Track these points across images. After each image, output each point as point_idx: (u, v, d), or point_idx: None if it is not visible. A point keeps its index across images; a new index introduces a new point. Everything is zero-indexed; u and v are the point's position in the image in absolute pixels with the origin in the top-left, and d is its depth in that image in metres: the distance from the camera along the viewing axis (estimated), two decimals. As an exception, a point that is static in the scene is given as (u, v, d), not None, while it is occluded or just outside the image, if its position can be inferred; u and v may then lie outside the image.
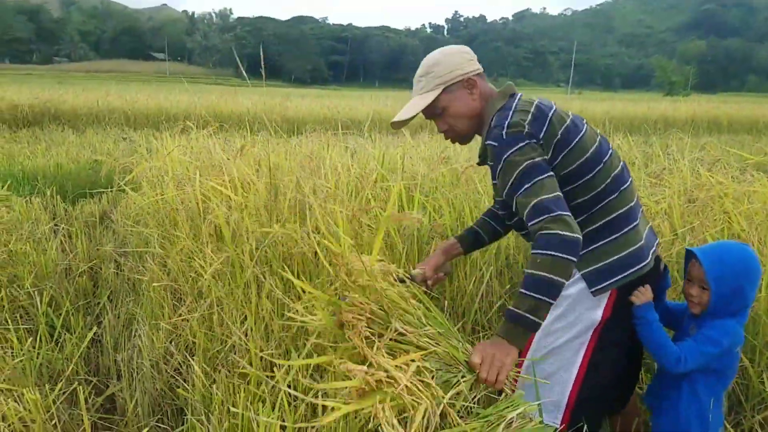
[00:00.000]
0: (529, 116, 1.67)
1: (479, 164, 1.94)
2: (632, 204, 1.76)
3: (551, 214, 1.56)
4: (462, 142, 1.92)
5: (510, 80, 1.92)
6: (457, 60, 1.80)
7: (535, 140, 1.65)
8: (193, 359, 2.32)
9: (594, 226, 1.72)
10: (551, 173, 1.63)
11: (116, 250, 3.67)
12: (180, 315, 2.58)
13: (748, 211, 2.55)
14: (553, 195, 1.59)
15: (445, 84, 1.79)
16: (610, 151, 1.76)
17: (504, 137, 1.66)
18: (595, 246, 1.72)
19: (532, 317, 1.54)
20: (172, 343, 2.53)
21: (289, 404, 1.82)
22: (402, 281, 1.78)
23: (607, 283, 1.70)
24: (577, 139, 1.69)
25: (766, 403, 2.14)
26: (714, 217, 2.61)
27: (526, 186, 1.61)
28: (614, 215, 1.72)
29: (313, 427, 1.77)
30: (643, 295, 1.75)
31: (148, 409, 2.39)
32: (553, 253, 1.53)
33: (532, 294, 1.54)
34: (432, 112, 1.85)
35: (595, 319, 1.73)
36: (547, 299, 1.54)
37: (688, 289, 1.79)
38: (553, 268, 1.53)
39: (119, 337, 2.88)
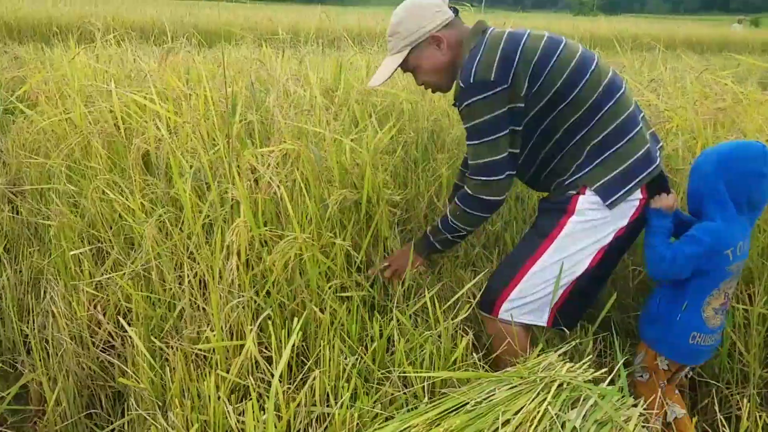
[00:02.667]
0: (497, 59, 1.63)
1: (454, 105, 1.82)
2: (631, 109, 1.69)
3: (488, 178, 1.71)
4: (443, 91, 1.92)
5: None
6: (420, 18, 1.76)
7: (500, 87, 1.63)
8: (130, 329, 1.76)
9: (595, 141, 1.67)
10: (507, 130, 1.67)
11: (9, 187, 2.90)
12: (106, 271, 1.98)
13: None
14: (499, 157, 1.68)
15: (410, 45, 1.79)
16: (595, 61, 1.68)
17: (471, 81, 1.64)
18: (600, 159, 1.66)
19: (439, 247, 1.93)
20: (98, 308, 1.94)
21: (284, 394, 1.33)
22: None
23: (621, 193, 1.64)
24: (552, 63, 1.64)
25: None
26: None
27: (480, 141, 1.68)
28: (614, 125, 1.66)
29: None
30: (662, 201, 1.67)
31: (74, 396, 1.83)
32: (472, 211, 1.77)
33: (445, 233, 1.86)
34: (406, 69, 1.88)
35: (619, 226, 1.68)
36: (457, 240, 1.90)
37: None
38: (468, 222, 1.81)
39: (23, 301, 2.25)
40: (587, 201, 1.65)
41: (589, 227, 1.66)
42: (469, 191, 1.74)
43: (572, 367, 1.37)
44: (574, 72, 1.63)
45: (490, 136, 1.66)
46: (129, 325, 1.78)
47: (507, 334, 1.72)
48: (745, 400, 1.52)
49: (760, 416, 1.56)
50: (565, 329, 1.79)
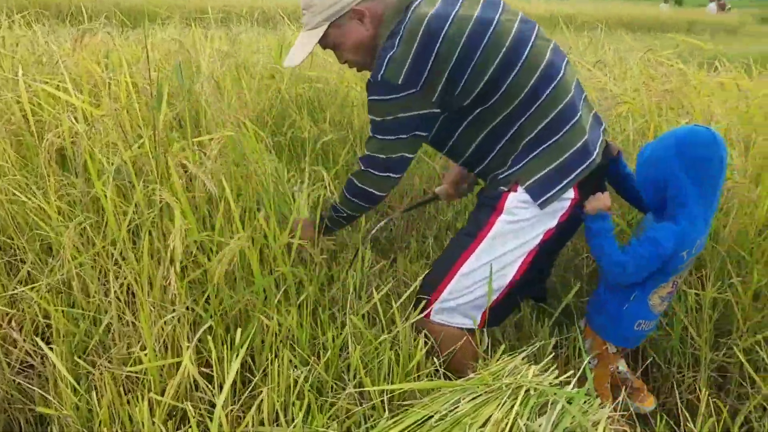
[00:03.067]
0: (409, 59, 1.46)
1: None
2: (571, 94, 1.55)
3: (379, 173, 1.62)
4: (370, 70, 1.61)
5: None
6: None
7: (407, 92, 1.48)
8: (50, 349, 1.57)
9: (530, 136, 1.53)
10: (409, 134, 1.56)
11: None
12: (19, 283, 1.77)
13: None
14: (395, 156, 1.59)
15: (329, 19, 1.59)
16: (532, 40, 1.52)
17: (378, 79, 1.50)
18: (535, 153, 1.54)
19: (330, 226, 1.82)
20: (12, 322, 1.73)
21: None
22: (427, 202, 2.08)
23: (554, 191, 1.53)
24: (479, 53, 1.47)
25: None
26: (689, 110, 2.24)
27: (380, 137, 1.58)
28: (551, 116, 1.52)
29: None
30: (597, 202, 1.59)
31: (-10, 424, 1.64)
32: (355, 200, 1.70)
33: (333, 216, 1.77)
34: (326, 46, 1.69)
35: (548, 227, 1.58)
36: (344, 222, 1.82)
37: None
38: (353, 209, 1.74)
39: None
40: (517, 199, 1.55)
41: (518, 228, 1.57)
42: (356, 181, 1.67)
43: (537, 369, 1.29)
44: (506, 58, 1.48)
45: (389, 136, 1.56)
46: (48, 343, 1.59)
47: (450, 336, 1.64)
48: (704, 390, 1.49)
49: (714, 401, 1.55)
50: (489, 328, 1.73)
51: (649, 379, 1.95)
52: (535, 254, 1.60)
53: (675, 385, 1.87)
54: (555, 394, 1.21)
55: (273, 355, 1.42)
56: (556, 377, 1.27)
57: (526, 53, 1.49)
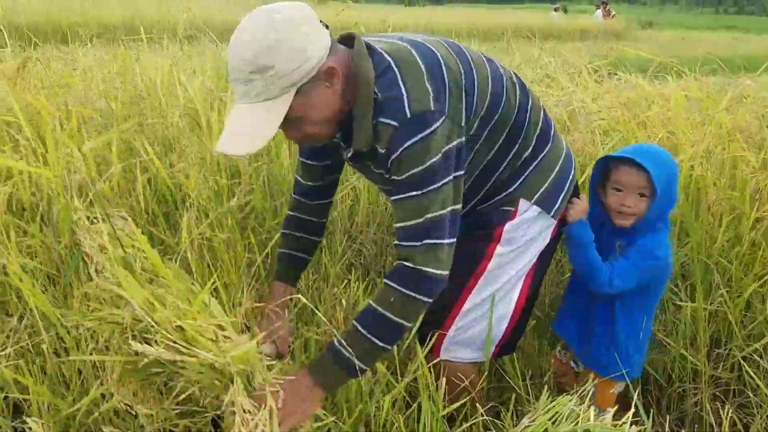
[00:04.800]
0: (427, 84, 1.24)
1: (354, 156, 1.37)
2: (541, 104, 1.55)
3: (437, 241, 1.26)
4: (322, 142, 1.38)
5: None
6: (305, 41, 1.17)
7: (442, 119, 1.24)
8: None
9: (528, 151, 1.48)
10: (453, 175, 1.27)
11: None
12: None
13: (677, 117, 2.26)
14: (448, 210, 1.27)
15: (296, 85, 1.19)
16: (502, 83, 1.39)
17: (409, 116, 1.22)
18: (533, 167, 1.49)
19: (360, 364, 1.26)
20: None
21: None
22: None
23: (561, 199, 1.52)
24: (475, 80, 1.32)
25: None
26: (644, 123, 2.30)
27: (424, 191, 1.24)
28: (540, 126, 1.49)
29: None
30: (577, 207, 1.56)
31: None
32: (412, 294, 1.26)
33: (371, 337, 1.26)
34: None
35: (544, 243, 1.55)
36: (387, 347, 1.28)
37: (618, 200, 1.57)
38: (407, 312, 1.27)
39: None
40: (514, 225, 1.48)
41: (515, 255, 1.51)
42: (412, 264, 1.26)
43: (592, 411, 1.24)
44: (493, 86, 1.37)
45: (439, 182, 1.25)
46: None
47: (455, 370, 1.55)
48: (726, 407, 1.51)
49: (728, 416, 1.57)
50: (502, 356, 1.67)
51: (651, 397, 1.96)
52: (533, 273, 1.57)
53: (672, 401, 1.89)
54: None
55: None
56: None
57: (504, 85, 1.40)
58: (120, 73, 2.62)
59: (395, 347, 1.37)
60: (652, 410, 1.87)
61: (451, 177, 1.26)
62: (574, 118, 2.36)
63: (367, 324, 1.27)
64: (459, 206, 1.31)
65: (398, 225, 1.29)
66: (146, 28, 3.40)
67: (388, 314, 1.25)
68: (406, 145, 1.23)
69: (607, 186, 1.61)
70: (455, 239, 1.30)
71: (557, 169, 1.52)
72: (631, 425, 1.23)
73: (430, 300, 1.28)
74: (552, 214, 1.50)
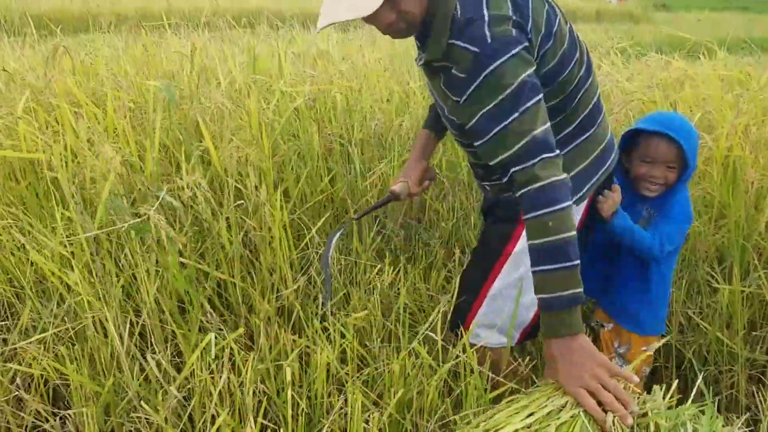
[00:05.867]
0: (509, 9, 1.23)
1: (426, 65, 1.39)
2: (596, 97, 1.48)
3: (543, 156, 1.21)
4: (410, 33, 1.35)
5: None
6: None
7: (526, 40, 1.23)
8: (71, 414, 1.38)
9: (571, 127, 1.42)
10: (539, 95, 1.24)
11: None
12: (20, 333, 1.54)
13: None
14: (545, 127, 1.23)
15: None
16: (576, 42, 1.39)
17: (489, 39, 1.20)
18: (570, 148, 1.43)
19: (569, 292, 1.19)
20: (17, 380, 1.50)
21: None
22: (384, 203, 1.69)
23: (587, 187, 1.46)
24: (554, 31, 1.30)
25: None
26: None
27: (519, 113, 1.21)
28: (589, 108, 1.44)
29: None
30: (611, 201, 1.54)
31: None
32: (555, 208, 1.20)
33: (555, 266, 1.20)
34: None
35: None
36: (573, 262, 1.20)
37: (648, 171, 1.60)
38: (562, 225, 1.20)
39: None
40: None
41: None
42: (539, 184, 1.22)
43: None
44: (568, 43, 1.36)
45: (531, 100, 1.22)
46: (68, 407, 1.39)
47: (493, 353, 1.53)
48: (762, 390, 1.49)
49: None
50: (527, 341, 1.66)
51: (686, 379, 1.95)
52: None
53: (708, 383, 1.87)
54: (685, 417, 1.14)
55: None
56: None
57: (575, 49, 1.38)
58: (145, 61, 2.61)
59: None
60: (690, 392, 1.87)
61: (537, 98, 1.23)
62: (606, 99, 2.32)
63: (542, 261, 1.21)
64: (548, 122, 1.26)
65: (504, 156, 1.24)
66: (159, 17, 3.37)
67: (551, 239, 1.20)
68: (491, 68, 1.20)
69: (633, 155, 1.62)
70: (556, 147, 1.25)
71: (593, 157, 1.46)
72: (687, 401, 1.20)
73: (566, 202, 1.22)
74: (573, 200, 1.34)
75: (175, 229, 1.65)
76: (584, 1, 20.77)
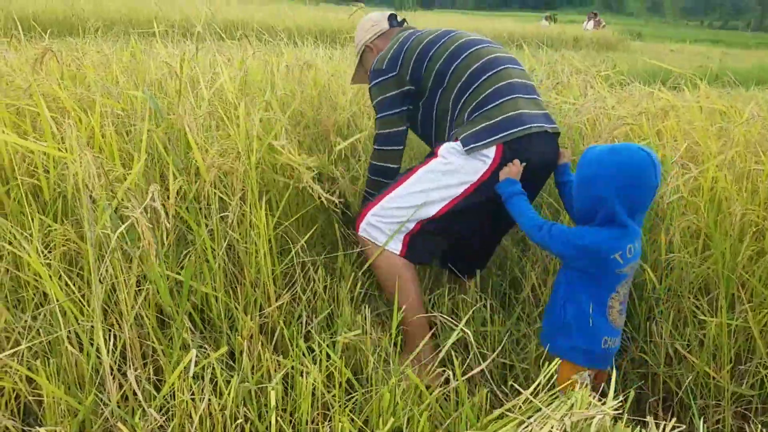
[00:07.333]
0: (389, 56, 2.07)
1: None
2: (502, 84, 1.93)
3: (387, 148, 2.10)
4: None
5: None
6: (361, 32, 2.29)
7: (389, 75, 2.06)
8: None
9: (469, 108, 1.94)
10: (395, 110, 2.08)
11: None
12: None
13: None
14: (389, 131, 2.10)
15: (359, 51, 2.31)
16: (478, 47, 2.02)
17: (372, 71, 2.11)
18: (472, 117, 1.92)
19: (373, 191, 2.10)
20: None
21: None
22: None
23: (483, 142, 1.85)
24: (432, 51, 2.03)
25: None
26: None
27: (378, 116, 2.11)
28: (484, 95, 1.93)
29: None
30: (507, 170, 1.84)
31: None
32: (376, 162, 2.13)
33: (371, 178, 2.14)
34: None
35: (469, 181, 1.88)
36: (383, 179, 2.10)
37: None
38: (382, 160, 2.12)
39: None
40: (449, 146, 1.89)
41: (445, 169, 1.88)
42: (373, 160, 2.13)
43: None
44: (450, 56, 1.99)
45: (385, 112, 2.08)
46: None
47: (390, 264, 1.93)
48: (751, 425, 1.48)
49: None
50: (412, 262, 1.98)
51: (672, 413, 1.93)
52: (455, 203, 1.89)
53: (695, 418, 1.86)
54: None
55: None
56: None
57: (465, 56, 1.98)
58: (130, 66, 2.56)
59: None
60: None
61: (389, 112, 2.08)
62: (592, 125, 2.34)
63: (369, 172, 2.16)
64: (396, 129, 2.09)
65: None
66: (146, 23, 3.31)
67: (375, 162, 2.13)
68: (369, 86, 2.13)
69: None
70: (397, 145, 2.12)
71: (492, 122, 1.86)
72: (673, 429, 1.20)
73: (388, 163, 2.11)
74: (466, 148, 1.85)
75: (157, 240, 1.59)
76: (558, 28, 21.09)
